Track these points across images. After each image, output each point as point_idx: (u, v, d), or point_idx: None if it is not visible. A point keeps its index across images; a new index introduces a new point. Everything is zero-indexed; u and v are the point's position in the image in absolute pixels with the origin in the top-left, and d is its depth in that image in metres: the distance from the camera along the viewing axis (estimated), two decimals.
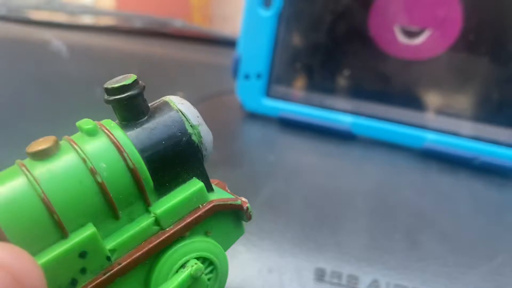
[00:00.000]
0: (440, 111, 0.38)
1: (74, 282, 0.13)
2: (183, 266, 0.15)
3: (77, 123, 0.15)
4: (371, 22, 0.39)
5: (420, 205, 0.32)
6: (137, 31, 0.73)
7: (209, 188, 0.16)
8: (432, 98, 0.38)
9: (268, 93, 0.43)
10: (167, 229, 0.15)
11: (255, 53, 0.42)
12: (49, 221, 0.13)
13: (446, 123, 0.37)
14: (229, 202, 0.16)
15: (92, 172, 0.14)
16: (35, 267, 0.12)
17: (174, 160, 0.15)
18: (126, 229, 0.15)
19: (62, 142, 0.14)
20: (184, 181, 0.16)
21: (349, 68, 0.40)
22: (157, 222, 0.15)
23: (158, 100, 0.16)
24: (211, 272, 0.16)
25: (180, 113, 0.16)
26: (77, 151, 0.14)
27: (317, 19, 0.41)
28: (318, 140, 0.41)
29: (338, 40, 0.40)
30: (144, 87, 0.15)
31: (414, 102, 0.38)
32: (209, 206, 0.16)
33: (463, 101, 0.37)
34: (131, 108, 0.15)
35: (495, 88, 0.36)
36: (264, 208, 0.31)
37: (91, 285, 0.14)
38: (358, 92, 0.40)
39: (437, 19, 0.36)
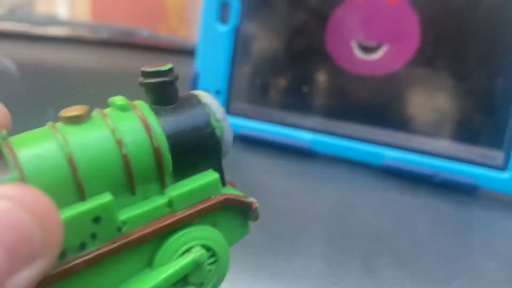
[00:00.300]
0: (399, 127, 0.37)
1: (83, 245, 0.14)
2: (188, 251, 0.16)
3: (110, 99, 0.15)
4: (328, 37, 0.38)
5: (379, 226, 0.31)
6: (102, 42, 0.72)
7: (223, 183, 0.17)
8: (391, 114, 0.37)
9: (228, 110, 0.42)
10: (178, 212, 0.15)
11: (213, 69, 0.41)
12: (71, 181, 0.13)
13: (405, 140, 0.37)
14: (240, 198, 0.17)
15: (119, 143, 0.14)
16: (55, 213, 0.12)
17: (195, 148, 0.16)
18: (139, 206, 0.15)
19: (94, 113, 0.15)
20: (200, 170, 0.16)
21: (308, 84, 0.39)
22: (169, 204, 0.15)
23: (186, 93, 0.17)
24: (212, 263, 0.16)
25: (207, 106, 0.16)
26: (107, 122, 0.14)
27: (275, 35, 0.40)
28: (279, 157, 0.40)
29: (296, 56, 0.39)
30: (178, 76, 0.16)
31: (373, 118, 0.37)
32: (221, 198, 0.16)
33: (422, 116, 0.37)
34: (162, 93, 0.16)
35: (454, 103, 0.36)
36: None
37: (98, 251, 0.14)
38: (317, 108, 0.39)
39: (394, 34, 0.36)
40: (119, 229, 0.14)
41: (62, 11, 0.98)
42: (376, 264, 0.28)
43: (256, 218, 0.18)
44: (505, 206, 0.34)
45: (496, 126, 0.34)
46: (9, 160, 0.13)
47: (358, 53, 0.37)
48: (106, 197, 0.14)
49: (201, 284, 0.16)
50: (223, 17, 0.40)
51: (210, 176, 0.16)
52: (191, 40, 0.68)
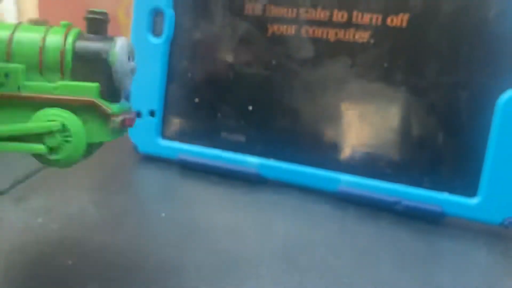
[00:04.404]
0: (355, 150, 0.33)
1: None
2: (51, 120, 0.20)
3: (62, 22, 0.21)
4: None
5: (336, 266, 0.27)
6: None
7: (112, 100, 0.21)
8: (340, 137, 0.33)
9: (165, 133, 0.37)
10: (59, 95, 0.20)
11: (146, 88, 0.36)
12: (4, 51, 0.20)
13: (362, 163, 0.33)
14: (103, 107, 0.20)
15: (42, 41, 0.20)
16: None
17: (88, 62, 0.20)
18: (40, 83, 0.20)
19: (53, 27, 0.21)
20: (91, 82, 0.20)
21: (254, 104, 0.35)
22: (56, 88, 0.20)
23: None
24: (66, 140, 0.20)
25: (113, 42, 0.20)
26: (48, 30, 0.20)
27: (215, 46, 0.35)
28: (224, 186, 0.35)
29: (240, 72, 0.35)
30: (108, 19, 0.21)
31: (325, 141, 0.33)
32: (90, 99, 0.20)
33: (381, 138, 0.33)
34: (93, 26, 0.21)
35: (413, 121, 0.32)
36: (148, 286, 0.24)
37: (2, 94, 0.20)
38: (265, 130, 0.35)
39: None
40: (18, 87, 0.20)
41: (8, 7, 0.94)
42: None
43: (113, 126, 0.21)
44: (475, 236, 0.30)
45: (462, 147, 0.30)
46: None
47: None
48: (19, 65, 0.20)
49: (52, 149, 0.20)
50: (156, 29, 0.36)
51: (92, 84, 0.20)
52: None
